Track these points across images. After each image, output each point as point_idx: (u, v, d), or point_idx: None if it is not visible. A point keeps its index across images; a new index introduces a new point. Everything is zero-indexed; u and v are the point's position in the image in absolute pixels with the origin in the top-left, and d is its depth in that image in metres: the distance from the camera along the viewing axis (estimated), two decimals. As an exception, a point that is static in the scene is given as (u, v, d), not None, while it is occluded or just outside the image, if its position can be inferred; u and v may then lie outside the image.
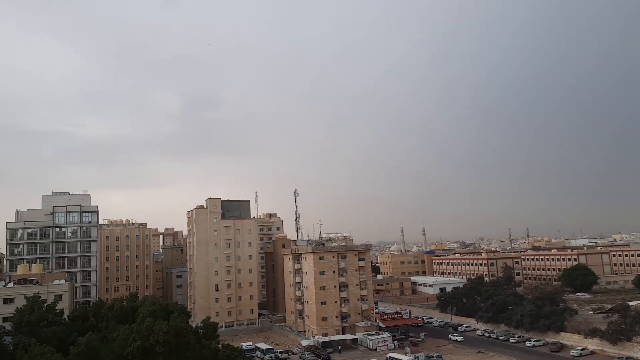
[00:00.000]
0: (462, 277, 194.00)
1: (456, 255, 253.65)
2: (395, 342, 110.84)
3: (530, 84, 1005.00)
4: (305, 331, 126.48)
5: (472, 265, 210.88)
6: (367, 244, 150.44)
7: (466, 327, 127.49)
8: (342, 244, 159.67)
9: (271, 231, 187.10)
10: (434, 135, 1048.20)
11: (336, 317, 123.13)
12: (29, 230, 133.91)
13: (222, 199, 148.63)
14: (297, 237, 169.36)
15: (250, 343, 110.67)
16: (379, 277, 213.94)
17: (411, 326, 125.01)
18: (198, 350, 65.96)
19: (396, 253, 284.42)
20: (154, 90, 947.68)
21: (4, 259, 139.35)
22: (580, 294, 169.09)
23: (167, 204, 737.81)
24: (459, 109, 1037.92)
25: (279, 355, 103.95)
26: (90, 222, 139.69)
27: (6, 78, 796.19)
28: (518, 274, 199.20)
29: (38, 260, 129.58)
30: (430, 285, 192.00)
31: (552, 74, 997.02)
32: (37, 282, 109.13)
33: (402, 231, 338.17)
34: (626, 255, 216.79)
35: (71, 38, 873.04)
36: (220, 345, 70.80)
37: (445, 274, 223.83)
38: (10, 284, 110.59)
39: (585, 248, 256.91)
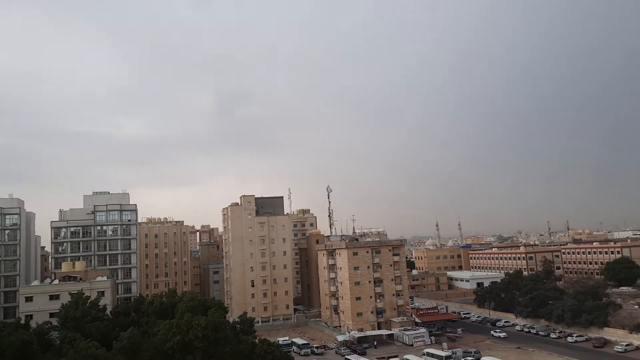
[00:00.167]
0: (500, 272, 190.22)
1: (493, 249, 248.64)
2: (432, 337, 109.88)
3: (565, 76, 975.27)
4: (340, 326, 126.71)
5: (510, 259, 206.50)
6: (401, 239, 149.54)
7: (505, 322, 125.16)
8: (376, 239, 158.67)
9: (305, 227, 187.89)
10: (468, 130, 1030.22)
11: (371, 312, 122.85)
12: (72, 229, 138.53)
13: (255, 196, 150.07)
14: (331, 232, 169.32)
15: (287, 338, 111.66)
16: (414, 272, 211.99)
17: (448, 321, 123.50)
18: (235, 344, 66.86)
19: (431, 248, 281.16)
20: (188, 89, 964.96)
21: (49, 257, 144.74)
22: (624, 288, 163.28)
23: (203, 201, 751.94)
24: (494, 104, 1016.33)
25: (315, 350, 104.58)
26: (129, 221, 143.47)
27: (48, 82, 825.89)
28: (558, 268, 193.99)
29: (81, 257, 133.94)
30: (467, 280, 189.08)
31: (589, 62, 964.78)
32: (81, 279, 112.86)
33: (437, 225, 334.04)
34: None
35: (107, 41, 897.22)
36: (257, 340, 71.59)
37: (482, 268, 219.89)
38: (56, 281, 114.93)
39: (629, 240, 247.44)
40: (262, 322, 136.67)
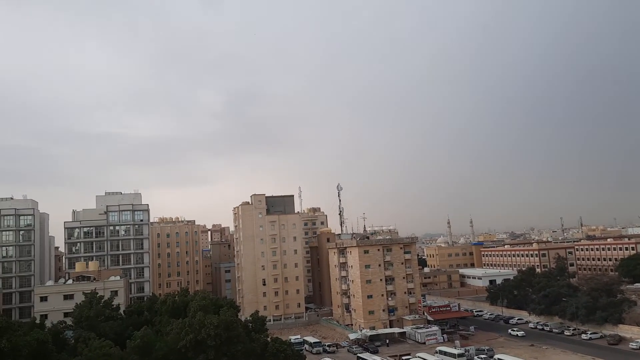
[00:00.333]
0: (513, 269, 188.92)
1: (506, 246, 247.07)
2: (444, 335, 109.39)
3: (582, 73, 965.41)
4: (352, 325, 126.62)
5: (522, 256, 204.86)
6: (412, 236, 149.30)
7: (518, 319, 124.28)
8: (387, 237, 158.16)
9: (315, 225, 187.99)
10: (481, 129, 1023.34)
11: (383, 310, 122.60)
12: (85, 229, 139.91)
13: (266, 195, 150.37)
14: (342, 231, 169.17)
15: (299, 336, 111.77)
16: (426, 270, 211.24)
17: (460, 319, 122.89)
18: (248, 343, 67.11)
19: (443, 245, 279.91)
20: (199, 89, 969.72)
21: (63, 257, 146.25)
22: (639, 285, 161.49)
23: (214, 200, 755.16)
24: (508, 104, 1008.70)
25: (327, 348, 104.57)
26: (142, 220, 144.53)
27: (61, 83, 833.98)
28: (572, 265, 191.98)
29: (94, 257, 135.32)
30: (480, 278, 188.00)
31: (605, 61, 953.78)
32: (94, 279, 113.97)
33: (448, 223, 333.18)
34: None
35: (119, 41, 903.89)
36: (269, 339, 71.79)
37: (495, 265, 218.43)
38: (70, 281, 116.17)
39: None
40: (273, 320, 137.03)
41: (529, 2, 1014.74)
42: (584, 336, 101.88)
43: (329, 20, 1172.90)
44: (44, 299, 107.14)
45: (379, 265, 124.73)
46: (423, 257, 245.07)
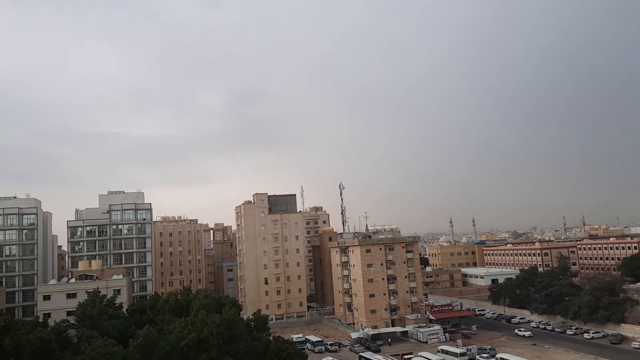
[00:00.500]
0: (515, 268, 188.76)
1: (508, 245, 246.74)
2: (446, 334, 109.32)
3: (587, 70, 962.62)
4: (354, 324, 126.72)
5: (525, 255, 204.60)
6: (414, 235, 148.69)
7: (520, 318, 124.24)
8: (389, 236, 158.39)
9: (317, 225, 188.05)
10: (483, 129, 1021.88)
11: (385, 309, 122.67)
12: (88, 228, 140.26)
13: (268, 194, 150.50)
14: (344, 230, 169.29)
15: (301, 335, 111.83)
16: (428, 269, 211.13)
17: (462, 318, 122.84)
18: (250, 342, 67.25)
19: (445, 244, 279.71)
20: (199, 89, 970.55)
21: (66, 255, 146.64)
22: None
23: (216, 200, 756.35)
24: (509, 99, 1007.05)
25: (329, 347, 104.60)
26: (144, 219, 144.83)
27: (61, 83, 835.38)
28: (574, 264, 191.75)
29: (97, 256, 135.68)
30: (482, 277, 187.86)
31: (603, 61, 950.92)
32: (97, 278, 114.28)
33: (450, 222, 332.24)
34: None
35: (119, 41, 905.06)
36: (271, 337, 71.97)
37: (497, 264, 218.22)
38: (73, 280, 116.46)
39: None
40: (276, 319, 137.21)
41: (529, 1, 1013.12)
42: (586, 335, 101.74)
43: (329, 20, 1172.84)
44: (47, 297, 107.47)
45: (381, 264, 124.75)
46: (425, 256, 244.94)
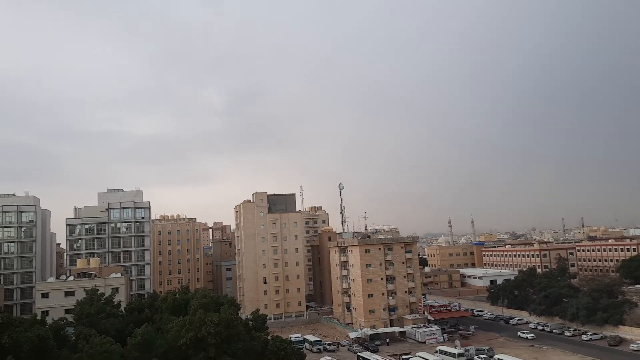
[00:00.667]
0: (513, 269, 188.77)
1: (507, 246, 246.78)
2: (445, 335, 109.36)
3: (589, 72, 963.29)
4: (352, 323, 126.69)
5: (523, 256, 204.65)
6: (413, 236, 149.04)
7: (518, 320, 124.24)
8: (388, 236, 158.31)
9: (317, 224, 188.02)
10: (482, 128, 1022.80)
11: (383, 309, 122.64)
12: (87, 226, 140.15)
13: (268, 193, 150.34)
14: (343, 229, 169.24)
15: (299, 335, 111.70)
16: (427, 269, 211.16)
17: (461, 319, 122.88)
18: (248, 341, 67.24)
19: (444, 245, 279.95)
20: (200, 88, 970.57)
21: (65, 253, 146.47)
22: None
23: (216, 198, 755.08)
24: (510, 99, 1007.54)
25: (328, 347, 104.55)
26: (143, 218, 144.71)
27: (63, 82, 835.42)
28: (572, 266, 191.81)
29: (95, 254, 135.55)
30: (480, 278, 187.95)
31: (608, 60, 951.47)
32: (95, 276, 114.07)
33: (449, 222, 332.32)
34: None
35: (119, 40, 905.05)
36: (269, 337, 71.93)
37: (496, 265, 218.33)
38: (71, 278, 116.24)
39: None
40: (274, 319, 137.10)
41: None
42: (584, 337, 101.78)
43: (329, 19, 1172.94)
44: (45, 295, 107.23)
45: (380, 264, 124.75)
46: (424, 257, 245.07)
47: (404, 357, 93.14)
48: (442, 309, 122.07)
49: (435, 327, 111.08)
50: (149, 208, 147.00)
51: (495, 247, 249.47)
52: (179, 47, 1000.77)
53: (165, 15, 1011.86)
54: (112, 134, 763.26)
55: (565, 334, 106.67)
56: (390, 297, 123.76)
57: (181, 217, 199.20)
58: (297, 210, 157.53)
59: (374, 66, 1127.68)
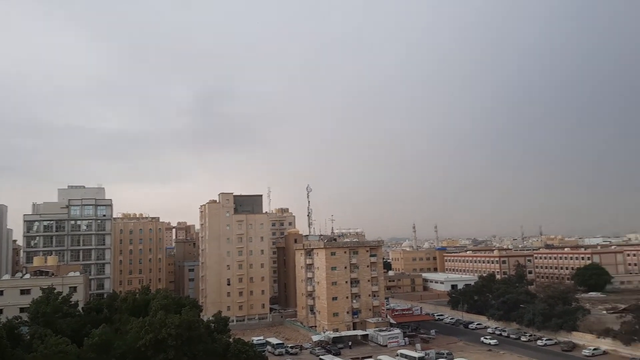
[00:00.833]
0: (474, 275, 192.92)
1: (468, 252, 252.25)
2: (406, 338, 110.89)
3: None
4: (316, 326, 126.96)
5: (483, 262, 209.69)
6: (379, 240, 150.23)
7: (477, 324, 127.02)
8: (354, 240, 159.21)
9: (283, 226, 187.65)
10: (445, 137, 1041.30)
11: (347, 312, 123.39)
12: (45, 223, 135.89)
13: (234, 194, 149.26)
14: (309, 232, 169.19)
15: (261, 337, 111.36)
16: (391, 273, 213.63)
17: (422, 323, 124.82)
18: (209, 343, 66.60)
19: (408, 249, 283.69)
20: (168, 85, 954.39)
21: (21, 250, 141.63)
22: (593, 294, 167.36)
23: (180, 198, 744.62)
24: (475, 105, 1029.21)
25: (290, 350, 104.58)
26: (104, 216, 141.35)
27: (27, 74, 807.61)
28: (530, 272, 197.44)
29: (53, 252, 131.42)
30: (442, 282, 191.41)
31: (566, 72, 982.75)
32: (53, 274, 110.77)
33: (414, 228, 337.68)
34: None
35: (86, 34, 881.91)
36: (231, 339, 71.33)
37: (457, 271, 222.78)
38: (27, 276, 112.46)
39: (599, 247, 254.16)
40: (237, 321, 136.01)
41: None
42: (539, 342, 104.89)
43: (307, 20, 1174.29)
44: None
45: (345, 267, 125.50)
46: (388, 261, 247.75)
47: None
48: (404, 312, 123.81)
49: (397, 331, 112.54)
50: (110, 206, 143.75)
51: (456, 252, 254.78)
52: (148, 44, 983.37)
53: (134, 12, 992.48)
54: (77, 129, 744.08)
55: (522, 339, 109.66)
56: (354, 301, 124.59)
57: (144, 216, 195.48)
58: (264, 211, 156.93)
59: (346, 67, 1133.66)
